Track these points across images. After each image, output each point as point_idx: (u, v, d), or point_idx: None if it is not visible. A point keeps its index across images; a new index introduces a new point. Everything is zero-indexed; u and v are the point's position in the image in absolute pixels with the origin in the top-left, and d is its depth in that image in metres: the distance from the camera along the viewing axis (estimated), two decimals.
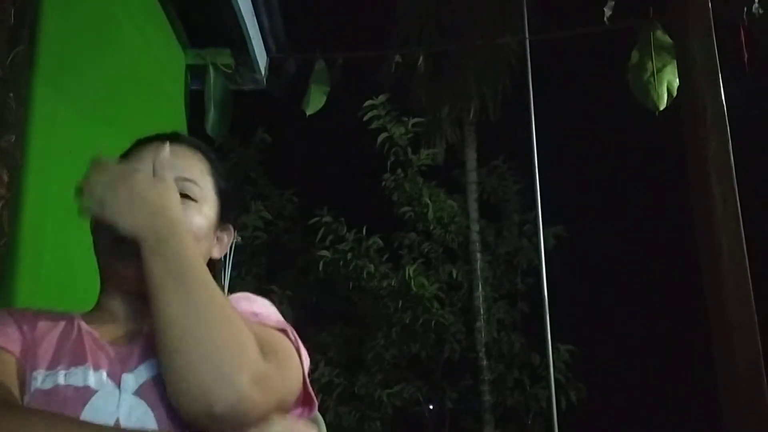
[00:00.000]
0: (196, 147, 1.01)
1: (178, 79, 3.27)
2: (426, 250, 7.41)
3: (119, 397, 0.82)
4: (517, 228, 8.00)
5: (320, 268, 6.83)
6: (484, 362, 7.47)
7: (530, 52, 4.59)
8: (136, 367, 0.85)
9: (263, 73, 3.64)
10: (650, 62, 3.25)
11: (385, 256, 7.15)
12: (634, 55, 3.34)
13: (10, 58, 1.33)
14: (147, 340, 0.88)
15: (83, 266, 1.87)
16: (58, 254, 1.72)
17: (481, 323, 7.51)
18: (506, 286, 7.82)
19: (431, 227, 7.38)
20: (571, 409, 7.08)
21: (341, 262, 6.82)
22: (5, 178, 1.29)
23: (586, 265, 9.25)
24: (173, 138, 0.99)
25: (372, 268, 6.87)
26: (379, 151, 7.04)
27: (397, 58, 3.71)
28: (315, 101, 3.70)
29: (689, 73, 2.62)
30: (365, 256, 6.92)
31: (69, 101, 1.90)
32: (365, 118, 6.87)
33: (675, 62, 3.26)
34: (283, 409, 0.84)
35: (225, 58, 3.52)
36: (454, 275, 7.40)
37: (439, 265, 7.45)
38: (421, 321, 6.89)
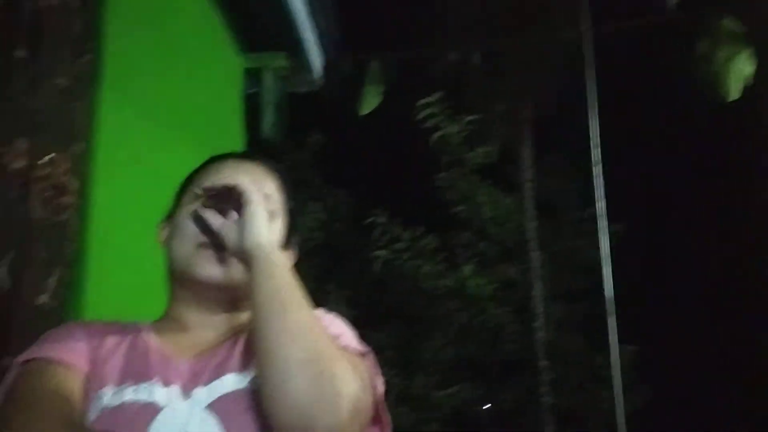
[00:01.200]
0: (268, 165, 1.02)
1: (235, 83, 3.31)
2: (481, 249, 7.32)
3: (190, 411, 0.81)
4: (574, 226, 7.82)
5: (376, 268, 6.83)
6: (543, 363, 7.32)
7: (589, 44, 4.46)
8: (210, 382, 0.84)
9: (318, 74, 3.65)
10: (719, 51, 3.10)
11: (441, 256, 7.10)
12: (701, 45, 3.19)
13: (77, 69, 1.35)
14: (223, 354, 0.88)
15: (148, 274, 1.91)
16: (123, 261, 1.74)
17: (538, 323, 7.36)
18: (564, 285, 7.66)
19: (486, 226, 7.29)
20: (635, 412, 6.87)
21: (397, 262, 6.81)
22: (75, 186, 1.31)
23: (649, 264, 8.97)
24: (246, 156, 1.03)
25: (427, 267, 6.84)
26: (433, 149, 6.99)
27: (452, 56, 3.67)
28: (370, 101, 3.69)
29: None
30: (421, 256, 6.89)
31: (133, 109, 1.93)
32: (419, 117, 6.83)
33: (747, 51, 3.11)
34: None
35: (281, 61, 3.54)
36: (510, 274, 7.29)
37: (494, 264, 7.35)
38: (477, 321, 6.81)
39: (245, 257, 0.87)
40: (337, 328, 0.92)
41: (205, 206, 0.91)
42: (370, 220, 7.06)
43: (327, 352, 0.79)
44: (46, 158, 1.24)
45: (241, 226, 0.88)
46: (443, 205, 7.27)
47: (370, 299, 7.54)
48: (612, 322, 4.73)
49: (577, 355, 7.36)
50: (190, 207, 0.95)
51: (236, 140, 2.96)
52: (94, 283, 1.55)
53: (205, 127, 2.54)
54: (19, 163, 1.16)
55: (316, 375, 0.76)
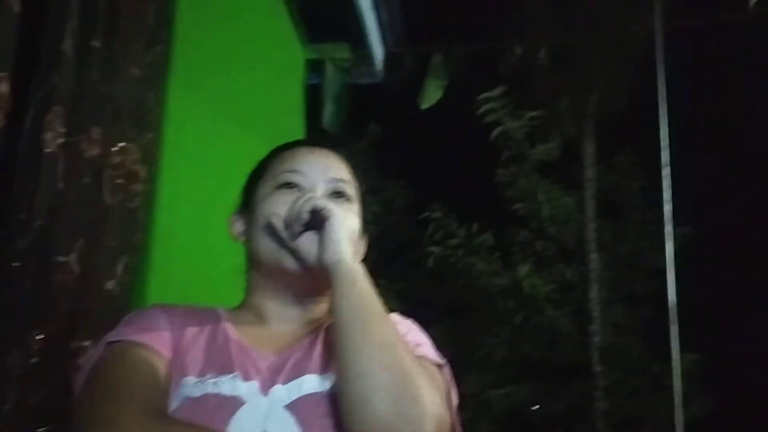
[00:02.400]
0: (339, 151, 1.02)
1: (298, 74, 3.33)
2: (539, 248, 7.19)
3: (268, 409, 0.80)
4: (638, 227, 7.59)
5: (430, 263, 6.79)
6: (599, 367, 7.13)
7: (661, 40, 4.28)
8: (290, 380, 0.84)
9: (380, 66, 3.63)
10: None
11: (496, 254, 7.00)
12: None
13: (150, 58, 1.36)
14: (302, 352, 0.88)
15: (211, 264, 1.93)
16: (187, 251, 1.77)
17: (595, 326, 7.18)
18: (625, 289, 7.44)
19: (546, 225, 7.14)
20: (694, 423, 6.63)
21: (451, 259, 6.75)
22: (143, 174, 1.33)
23: (716, 269, 8.61)
24: (316, 142, 1.03)
25: (482, 265, 6.75)
26: (493, 145, 6.89)
27: (518, 50, 3.59)
28: (431, 95, 3.65)
29: None
30: (476, 253, 6.81)
31: (200, 99, 1.96)
32: (480, 111, 6.74)
33: None
34: None
35: (343, 52, 3.55)
36: (568, 276, 7.13)
37: (552, 264, 7.20)
38: (533, 322, 6.69)
39: (326, 271, 0.87)
40: (416, 337, 0.91)
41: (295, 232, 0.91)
42: (425, 214, 7.01)
43: (411, 370, 0.77)
44: (118, 146, 1.26)
45: (322, 240, 0.87)
46: (501, 202, 7.17)
47: (423, 295, 7.50)
48: (675, 330, 4.56)
49: (634, 361, 7.15)
50: (270, 199, 0.95)
51: (297, 131, 2.97)
52: (158, 271, 1.58)
53: (268, 118, 2.56)
54: (93, 151, 1.18)
55: (400, 394, 0.75)
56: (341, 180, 0.98)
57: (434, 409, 0.76)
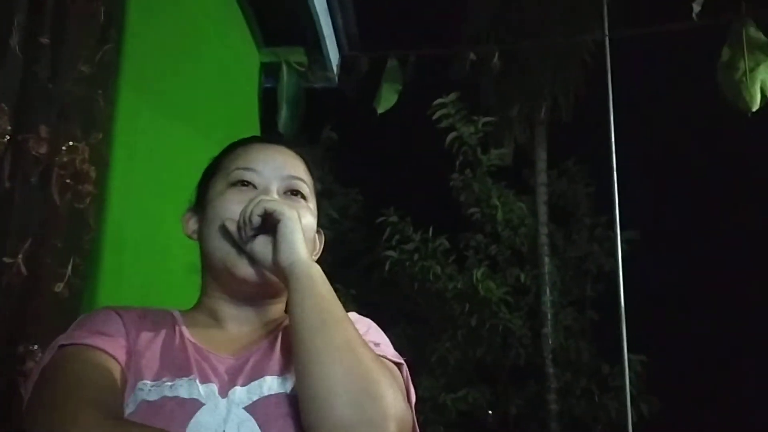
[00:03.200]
0: (294, 148, 1.01)
1: (252, 77, 3.30)
2: (493, 252, 7.28)
3: (228, 411, 0.79)
4: (587, 232, 7.77)
5: (386, 267, 6.80)
6: (551, 369, 7.27)
7: (608, 49, 4.41)
8: (249, 382, 0.83)
9: (335, 71, 3.63)
10: (742, 60, 3.05)
11: (451, 258, 7.06)
12: (725, 53, 3.14)
13: (99, 56, 1.33)
14: (260, 354, 0.87)
15: (161, 267, 1.90)
16: (137, 252, 1.73)
17: (548, 329, 7.32)
18: (575, 292, 7.61)
19: (500, 229, 7.25)
20: (642, 423, 6.81)
21: (407, 263, 6.78)
22: (93, 175, 1.29)
23: (660, 273, 8.89)
24: (271, 139, 1.02)
25: (438, 269, 6.80)
26: (448, 150, 6.95)
27: (471, 56, 3.65)
28: (387, 99, 3.67)
29: None
30: (432, 257, 6.85)
31: (150, 100, 1.93)
32: (435, 117, 6.80)
33: None
34: None
35: (298, 56, 3.53)
36: (522, 279, 7.25)
37: (506, 268, 7.31)
38: (487, 325, 6.77)
39: (282, 273, 0.86)
40: (375, 336, 0.91)
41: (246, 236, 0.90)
42: (381, 219, 7.03)
43: (372, 370, 0.77)
44: (67, 145, 1.23)
45: (276, 242, 0.86)
46: (456, 207, 7.24)
47: (378, 299, 7.51)
48: (623, 331, 4.68)
49: (584, 363, 7.30)
50: (223, 198, 0.93)
51: (251, 134, 2.95)
52: (108, 274, 1.54)
53: (222, 121, 2.54)
54: (42, 149, 1.15)
55: (361, 395, 0.74)
56: (297, 178, 0.96)
57: (396, 409, 0.76)
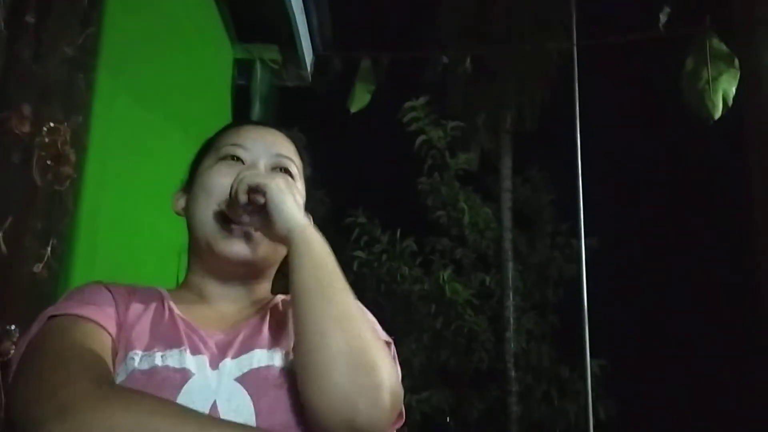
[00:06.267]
0: (285, 131, 1.03)
1: (226, 72, 3.29)
2: (458, 255, 7.35)
3: (218, 381, 0.80)
4: (549, 239, 7.90)
5: (354, 269, 6.79)
6: (512, 373, 7.37)
7: (576, 58, 4.52)
8: (239, 355, 0.83)
9: (309, 70, 3.64)
10: (705, 70, 3.17)
11: (418, 260, 7.10)
12: (689, 63, 3.26)
13: (82, 39, 1.32)
14: (250, 329, 0.87)
15: (135, 250, 1.89)
16: (112, 236, 1.72)
17: (510, 333, 7.41)
18: (537, 297, 7.73)
19: (466, 233, 7.31)
20: (600, 426, 6.94)
21: (375, 264, 6.79)
22: (73, 158, 1.28)
23: (619, 279, 9.10)
24: (263, 122, 1.04)
25: (406, 270, 6.83)
26: (416, 153, 7.00)
27: (444, 59, 3.69)
28: (359, 99, 3.70)
29: (760, 85, 2.53)
30: (399, 259, 6.88)
31: (126, 87, 1.91)
32: (404, 120, 6.84)
33: (731, 71, 3.18)
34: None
35: (272, 53, 3.53)
36: (486, 282, 7.33)
37: (471, 271, 7.38)
38: (453, 327, 6.82)
39: (282, 241, 0.87)
40: (368, 315, 0.91)
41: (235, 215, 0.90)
42: (349, 220, 7.02)
43: (370, 342, 0.78)
44: (49, 126, 1.21)
45: (269, 215, 0.86)
46: (423, 210, 7.28)
47: None
48: (586, 336, 4.78)
49: (544, 367, 7.41)
50: (210, 171, 0.94)
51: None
52: (82, 258, 1.53)
53: (194, 113, 2.53)
54: (24, 128, 1.13)
55: (358, 365, 0.75)
56: (285, 156, 0.98)
57: (390, 381, 0.77)
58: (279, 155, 0.97)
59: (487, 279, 7.36)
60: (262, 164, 0.95)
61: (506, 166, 8.21)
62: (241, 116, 3.42)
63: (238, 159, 0.95)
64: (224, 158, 0.95)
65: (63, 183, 1.26)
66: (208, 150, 0.99)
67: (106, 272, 1.65)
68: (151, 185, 2.00)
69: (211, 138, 1.02)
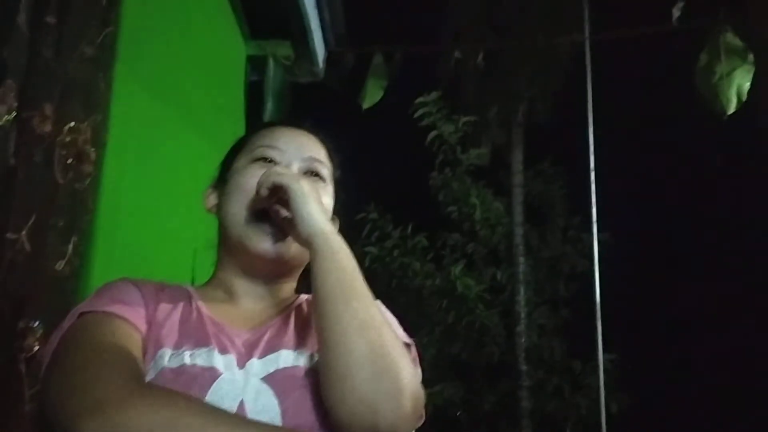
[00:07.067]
0: (318, 134, 1.03)
1: (239, 69, 3.31)
2: (470, 250, 7.34)
3: (245, 381, 0.81)
4: (561, 233, 7.88)
5: (366, 264, 6.80)
6: (524, 367, 7.36)
7: (589, 51, 4.50)
8: (265, 355, 0.85)
9: (321, 65, 3.65)
10: (719, 65, 3.15)
11: (429, 256, 7.10)
12: (703, 58, 3.23)
13: (101, 39, 1.34)
14: (276, 329, 0.89)
15: (153, 248, 1.91)
16: (130, 233, 1.75)
17: (521, 327, 7.40)
18: (548, 291, 7.71)
19: (478, 228, 7.30)
20: (612, 420, 6.93)
21: (387, 259, 6.79)
22: (93, 156, 1.30)
23: (631, 273, 9.06)
24: (296, 123, 1.05)
25: (417, 265, 6.84)
26: (428, 148, 6.99)
27: (457, 54, 3.68)
28: (372, 95, 3.70)
29: None
30: (411, 254, 6.88)
31: (142, 85, 1.94)
32: (416, 115, 6.83)
33: (745, 66, 3.16)
34: None
35: (285, 50, 3.55)
36: (498, 277, 7.32)
37: (482, 266, 7.37)
38: (464, 322, 6.82)
39: (304, 244, 0.88)
40: (387, 316, 0.92)
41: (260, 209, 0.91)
42: (361, 215, 7.03)
43: (391, 347, 0.79)
44: (70, 125, 1.23)
45: (294, 216, 0.87)
46: (435, 205, 7.27)
47: None
48: (599, 330, 4.77)
49: (556, 361, 7.39)
50: (244, 171, 0.95)
51: (237, 126, 2.96)
52: (101, 256, 1.55)
53: (208, 109, 2.55)
54: (46, 128, 1.15)
55: (381, 371, 0.77)
56: (317, 160, 0.99)
57: (412, 386, 0.79)
58: (311, 158, 0.99)
59: (499, 274, 7.35)
60: (295, 167, 0.97)
61: (517, 160, 8.16)
62: (254, 113, 3.44)
63: (271, 161, 0.97)
64: (257, 159, 0.97)
65: (83, 181, 1.28)
66: (241, 149, 1.01)
67: (125, 268, 1.68)
68: (168, 182, 2.03)
69: (245, 136, 1.04)
